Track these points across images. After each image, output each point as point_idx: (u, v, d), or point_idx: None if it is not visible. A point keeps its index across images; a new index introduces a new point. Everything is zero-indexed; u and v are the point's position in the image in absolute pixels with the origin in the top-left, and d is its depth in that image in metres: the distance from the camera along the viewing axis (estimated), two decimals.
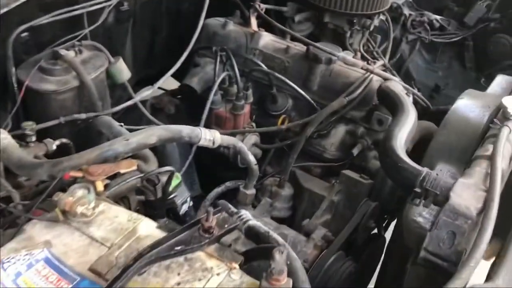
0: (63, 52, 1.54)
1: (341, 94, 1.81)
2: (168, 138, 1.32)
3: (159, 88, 2.86)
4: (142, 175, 1.13)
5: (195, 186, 1.97)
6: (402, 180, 1.29)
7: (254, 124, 1.89)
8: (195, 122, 2.15)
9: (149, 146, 1.30)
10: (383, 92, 1.74)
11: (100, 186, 0.99)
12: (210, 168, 1.95)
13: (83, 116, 1.59)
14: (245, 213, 1.35)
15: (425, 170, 1.24)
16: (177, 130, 1.34)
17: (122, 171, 1.05)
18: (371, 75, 1.81)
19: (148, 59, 2.29)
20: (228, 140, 1.50)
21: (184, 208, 1.21)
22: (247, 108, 1.85)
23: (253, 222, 1.09)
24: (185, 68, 2.04)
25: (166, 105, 2.20)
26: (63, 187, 1.11)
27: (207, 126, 1.83)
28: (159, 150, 1.94)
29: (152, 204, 1.14)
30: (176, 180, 1.21)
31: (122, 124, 1.55)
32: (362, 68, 1.78)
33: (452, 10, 2.70)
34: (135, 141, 1.23)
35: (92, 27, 1.72)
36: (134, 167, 1.08)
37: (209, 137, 1.42)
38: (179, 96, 2.25)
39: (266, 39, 2.03)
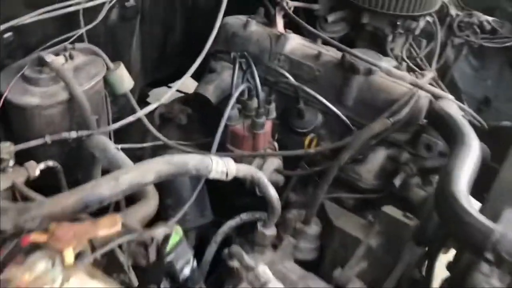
0: (49, 58, 1.28)
1: (382, 112, 1.52)
2: (170, 173, 1.06)
3: (168, 87, 2.64)
4: (130, 236, 0.86)
5: (206, 212, 1.70)
6: (466, 238, 1.01)
7: (276, 145, 1.61)
8: (209, 134, 1.89)
9: (145, 186, 1.04)
10: (436, 114, 1.44)
11: (69, 256, 0.73)
12: (224, 193, 1.68)
13: (73, 134, 1.33)
14: (264, 272, 1.08)
15: (498, 229, 0.96)
16: (181, 162, 1.08)
17: (101, 233, 0.79)
18: (419, 91, 1.51)
19: (159, 60, 2.03)
20: (245, 170, 1.23)
21: (186, 272, 0.94)
22: (268, 125, 1.56)
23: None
24: (202, 68, 1.77)
25: (177, 114, 1.94)
26: None
27: (222, 144, 1.56)
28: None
29: (144, 270, 0.88)
30: (176, 236, 0.94)
31: (119, 147, 1.29)
32: (411, 84, 1.47)
33: (505, 10, 2.35)
34: (127, 181, 0.97)
35: (88, 27, 1.45)
36: (118, 227, 0.82)
37: (221, 168, 1.16)
38: (191, 101, 1.99)
39: (294, 42, 1.73)
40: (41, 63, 1.29)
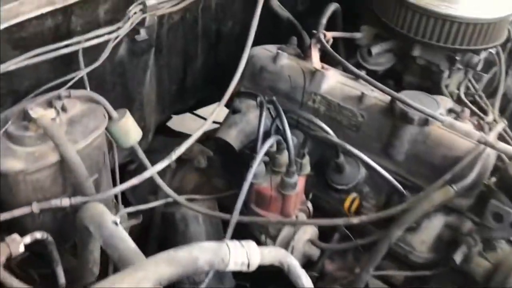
0: (35, 112, 1.05)
1: (439, 171, 1.25)
2: (174, 276, 0.82)
3: (193, 113, 2.42)
4: None
5: (226, 280, 1.46)
6: None
7: (310, 206, 1.35)
8: (231, 180, 1.65)
9: None
10: (510, 179, 1.16)
11: None
12: None
13: (65, 202, 1.10)
14: None
15: None
16: (189, 260, 0.84)
17: None
18: (487, 148, 1.23)
19: (177, 94, 1.80)
20: (272, 256, 0.98)
21: None
22: (301, 184, 1.31)
23: None
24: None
25: (195, 156, 1.70)
26: None
27: (245, 203, 1.31)
28: (179, 230, 1.45)
29: None
30: None
31: (117, 221, 1.05)
32: (479, 142, 1.19)
33: None
34: None
35: (88, 69, 1.23)
36: None
37: (241, 258, 0.91)
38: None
39: (332, 81, 1.47)
40: (27, 118, 1.07)
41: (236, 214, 1.18)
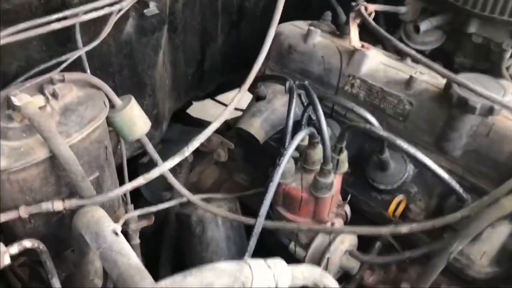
0: (19, 100, 0.87)
1: (506, 170, 1.03)
2: None
3: (213, 99, 2.22)
4: None
5: None
6: None
7: (348, 209, 1.15)
8: (254, 176, 1.46)
9: None
10: None
11: None
12: None
13: (58, 206, 0.92)
14: None
15: None
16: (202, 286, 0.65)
17: None
18: None
19: (195, 78, 1.60)
20: (306, 278, 0.80)
21: None
22: (337, 185, 1.10)
23: None
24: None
25: (215, 148, 1.51)
26: None
27: (272, 206, 1.12)
28: (196, 235, 1.27)
29: None
30: None
31: (118, 231, 0.86)
32: None
33: None
34: None
35: (87, 48, 1.04)
36: None
37: (267, 282, 0.74)
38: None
39: (374, 62, 1.26)
40: (11, 106, 0.89)
41: (261, 220, 0.98)
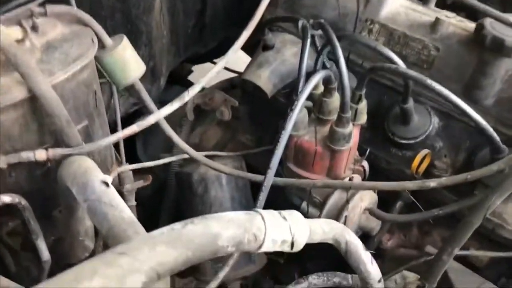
0: None
1: None
2: (180, 262, 0.53)
3: (214, 63, 2.09)
4: None
5: (254, 255, 1.17)
6: None
7: (366, 165, 1.03)
8: (261, 135, 1.35)
9: None
10: None
11: None
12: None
13: (40, 155, 0.81)
14: None
15: None
16: (204, 237, 0.58)
17: None
18: None
19: (195, 31, 1.47)
20: (325, 232, 0.69)
21: None
22: (356, 136, 0.99)
23: None
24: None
25: (218, 107, 1.39)
26: None
27: (281, 162, 1.00)
28: (197, 195, 1.16)
29: None
30: None
31: (108, 181, 0.75)
32: None
33: None
34: None
35: None
36: None
37: (282, 235, 0.63)
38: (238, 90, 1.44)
39: (395, 4, 1.13)
40: None
41: (272, 173, 0.86)
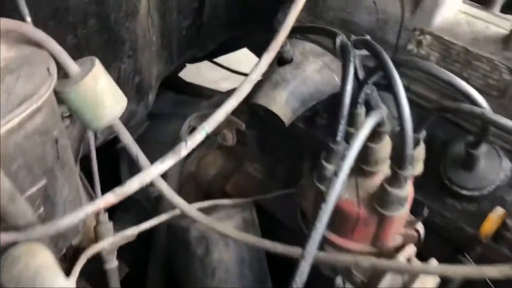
0: None
1: None
2: None
3: (213, 62, 1.83)
4: None
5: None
6: None
7: (421, 230, 0.78)
8: (273, 169, 1.11)
9: None
10: None
11: None
12: None
13: None
14: None
15: None
16: None
17: None
18: None
19: (190, 33, 1.21)
20: None
21: None
22: (410, 194, 0.74)
23: None
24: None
25: (219, 128, 1.14)
26: None
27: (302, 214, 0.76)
28: (196, 257, 0.91)
29: None
30: None
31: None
32: None
33: None
34: None
35: None
36: None
37: None
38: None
39: (452, 10, 0.88)
40: None
41: (310, 257, 0.61)
